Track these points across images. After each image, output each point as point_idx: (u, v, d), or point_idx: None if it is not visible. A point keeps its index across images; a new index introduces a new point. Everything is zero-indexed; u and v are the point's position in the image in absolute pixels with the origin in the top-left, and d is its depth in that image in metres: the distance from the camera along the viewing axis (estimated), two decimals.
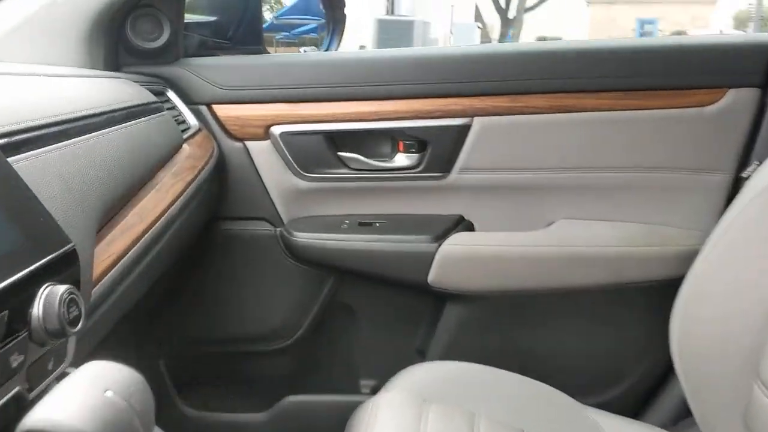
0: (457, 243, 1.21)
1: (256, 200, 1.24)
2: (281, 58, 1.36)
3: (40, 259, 0.48)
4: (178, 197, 0.89)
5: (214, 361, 1.36)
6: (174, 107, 1.15)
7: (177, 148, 1.03)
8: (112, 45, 1.15)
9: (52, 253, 0.49)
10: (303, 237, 1.22)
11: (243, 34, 1.45)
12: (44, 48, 1.02)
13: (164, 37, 1.18)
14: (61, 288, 0.47)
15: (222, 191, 1.23)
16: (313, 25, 3.23)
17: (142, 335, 1.28)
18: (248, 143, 1.22)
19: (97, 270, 0.65)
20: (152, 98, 1.03)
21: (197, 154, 1.09)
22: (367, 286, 1.28)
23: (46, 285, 0.47)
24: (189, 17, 1.31)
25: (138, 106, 0.93)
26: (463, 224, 1.24)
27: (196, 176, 1.01)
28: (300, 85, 1.22)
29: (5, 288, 0.43)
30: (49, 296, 0.46)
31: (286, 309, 1.29)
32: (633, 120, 1.16)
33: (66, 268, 0.51)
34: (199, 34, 1.39)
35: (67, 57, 1.03)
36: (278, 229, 1.26)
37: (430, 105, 1.18)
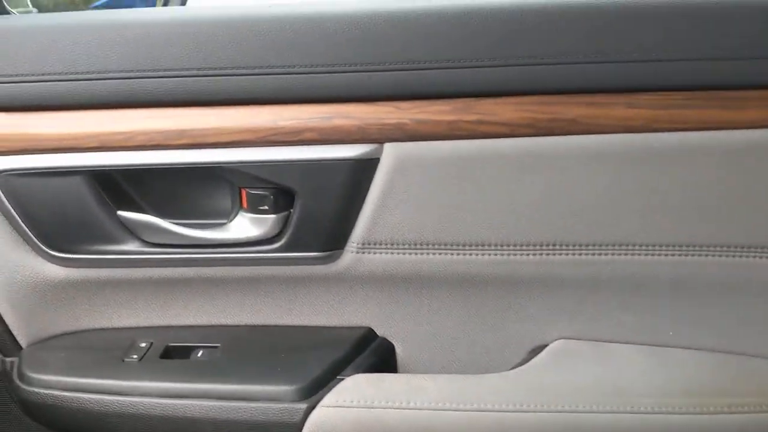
0: (349, 400, 0.67)
1: None
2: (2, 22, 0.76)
3: None
4: None
5: None
6: None
7: None
8: None
9: None
10: (52, 382, 0.73)
11: None
12: None
13: None
14: None
15: None
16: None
17: None
18: None
19: None
20: None
21: None
22: None
23: None
24: None
25: None
26: (372, 346, 0.74)
27: None
28: (37, 74, 0.68)
29: None
30: None
31: None
32: (702, 150, 0.65)
33: None
34: None
35: None
36: (9, 359, 0.76)
37: (296, 117, 0.67)
